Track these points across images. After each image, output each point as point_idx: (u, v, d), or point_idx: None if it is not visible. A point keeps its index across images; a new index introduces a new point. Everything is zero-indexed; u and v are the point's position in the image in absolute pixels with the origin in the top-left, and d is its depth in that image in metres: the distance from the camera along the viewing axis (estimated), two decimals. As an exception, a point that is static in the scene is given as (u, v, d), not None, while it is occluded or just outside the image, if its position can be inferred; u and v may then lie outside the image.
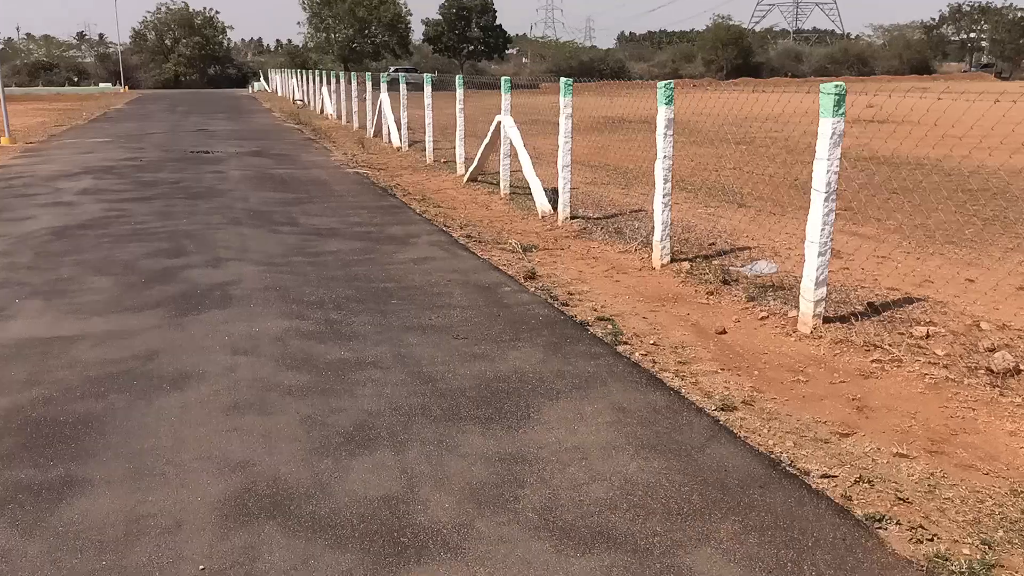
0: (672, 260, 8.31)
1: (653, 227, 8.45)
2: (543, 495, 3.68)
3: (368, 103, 23.70)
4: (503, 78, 12.78)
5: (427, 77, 17.29)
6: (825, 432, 4.48)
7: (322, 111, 33.30)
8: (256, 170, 15.48)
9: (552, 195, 11.32)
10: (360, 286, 7.23)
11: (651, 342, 5.97)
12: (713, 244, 9.17)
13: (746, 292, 7.16)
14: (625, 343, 5.90)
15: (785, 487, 3.79)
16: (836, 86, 5.86)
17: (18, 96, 54.18)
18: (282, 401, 4.68)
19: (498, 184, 13.66)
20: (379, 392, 4.84)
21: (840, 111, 5.86)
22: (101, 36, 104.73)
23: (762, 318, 6.56)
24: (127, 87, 71.73)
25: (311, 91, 38.22)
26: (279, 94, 55.30)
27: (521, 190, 12.76)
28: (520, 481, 3.80)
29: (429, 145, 17.10)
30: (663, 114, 8.16)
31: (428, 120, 17.04)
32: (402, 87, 19.36)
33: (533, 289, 7.33)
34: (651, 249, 8.50)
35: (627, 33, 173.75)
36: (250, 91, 64.88)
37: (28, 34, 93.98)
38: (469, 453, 4.08)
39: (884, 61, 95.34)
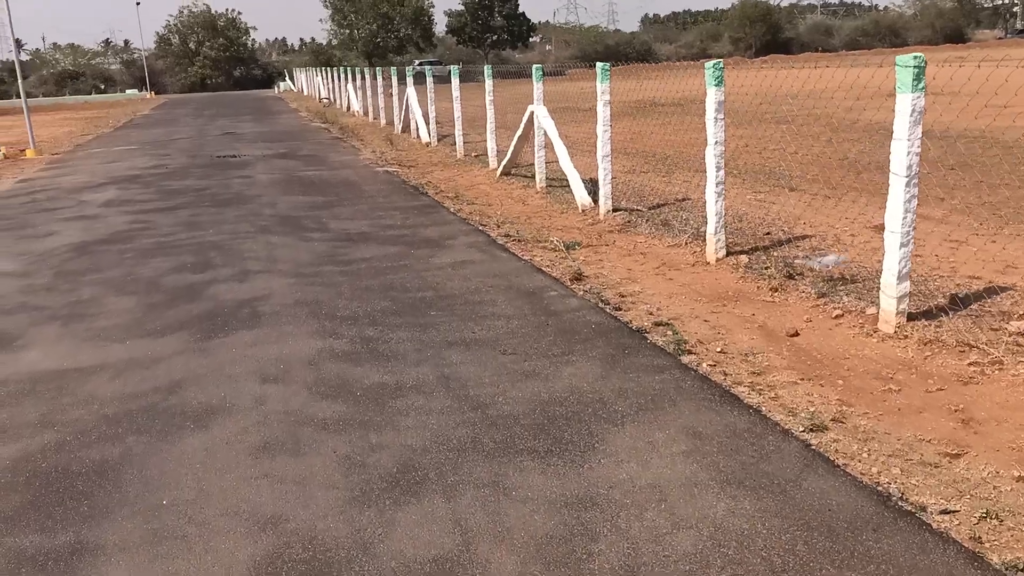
0: (728, 253, 7.75)
1: (705, 218, 7.91)
2: (621, 551, 3.17)
3: (395, 98, 23.24)
4: (534, 66, 12.25)
5: (454, 69, 16.79)
6: (932, 453, 3.93)
7: (349, 108, 32.92)
8: (284, 173, 15.06)
9: (591, 187, 10.79)
10: (396, 297, 6.75)
11: (718, 349, 5.43)
12: (768, 234, 8.59)
13: (814, 287, 6.59)
14: (689, 352, 5.36)
15: (902, 529, 3.25)
16: (915, 57, 5.28)
17: (46, 106, 54.44)
18: (317, 438, 4.20)
19: (533, 177, 13.13)
20: (424, 423, 4.35)
21: (920, 85, 5.28)
22: (126, 42, 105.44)
23: (836, 316, 5.99)
24: (153, 92, 71.91)
25: (337, 89, 37.86)
26: (305, 93, 55.10)
27: (557, 182, 12.24)
28: (592, 532, 3.29)
29: (459, 139, 16.60)
30: (713, 97, 7.60)
31: (457, 114, 16.53)
32: (429, 81, 18.86)
33: (581, 292, 6.81)
34: (704, 242, 7.95)
35: (651, 15, 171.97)
36: (276, 91, 64.75)
37: (55, 44, 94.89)
38: (530, 497, 3.57)
39: (916, 31, 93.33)
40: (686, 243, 8.39)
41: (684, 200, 10.53)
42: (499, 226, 9.72)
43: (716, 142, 7.66)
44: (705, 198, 7.84)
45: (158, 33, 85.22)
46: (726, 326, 5.94)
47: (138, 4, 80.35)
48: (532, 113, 12.29)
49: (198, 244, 9.00)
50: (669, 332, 5.78)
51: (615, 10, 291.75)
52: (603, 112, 9.84)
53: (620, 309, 6.36)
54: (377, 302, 6.60)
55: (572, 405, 4.51)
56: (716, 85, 7.57)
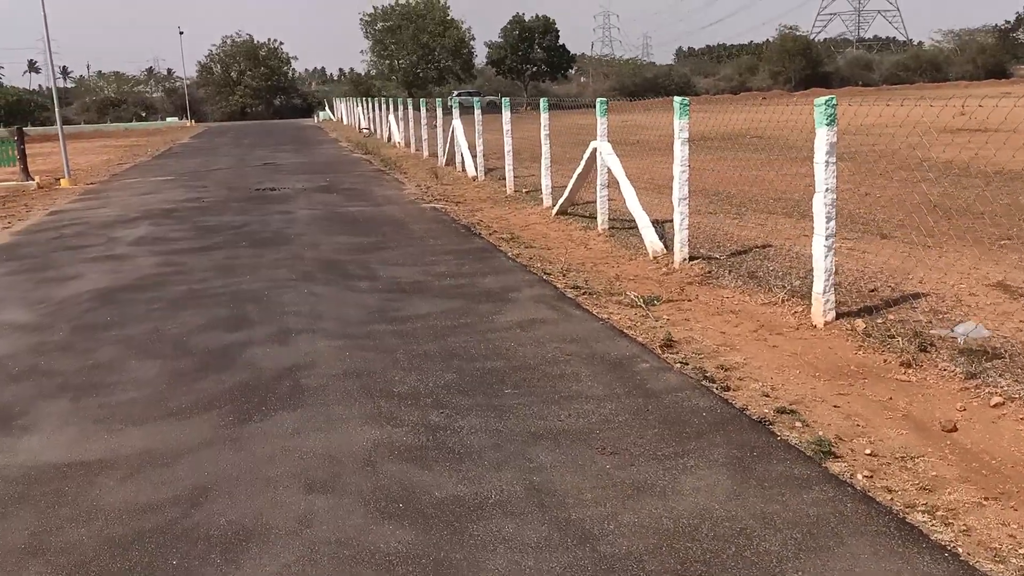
0: (837, 316, 6.71)
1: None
2: None
3: (439, 130, 22.42)
4: (598, 100, 11.31)
5: (505, 101, 15.92)
6: None
7: (389, 139, 32.22)
8: (326, 209, 14.20)
9: (659, 229, 9.82)
10: (461, 367, 5.77)
11: (866, 451, 4.38)
12: (874, 291, 7.54)
13: (956, 364, 5.53)
14: (834, 455, 4.32)
15: None
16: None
17: (87, 133, 54.49)
18: (380, 586, 3.21)
19: (591, 217, 12.20)
20: (518, 563, 3.34)
21: None
22: (170, 71, 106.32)
23: (996, 405, 4.93)
24: (193, 120, 71.98)
25: (377, 119, 37.23)
26: (344, 123, 54.71)
27: (620, 223, 11.27)
28: None
29: (509, 174, 15.69)
30: (824, 138, 6.59)
31: (508, 147, 15.63)
32: (477, 113, 18.00)
33: (677, 364, 5.80)
34: (805, 300, 6.94)
35: (685, 48, 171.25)
36: (315, 120, 64.48)
37: (99, 71, 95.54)
38: None
39: (957, 67, 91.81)
40: (782, 301, 7.35)
41: (766, 247, 9.50)
42: (564, 275, 8.75)
43: (827, 189, 6.64)
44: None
45: (199, 62, 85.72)
46: (863, 415, 4.89)
47: (181, 33, 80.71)
48: (595, 150, 11.34)
49: (233, 294, 8.09)
50: (798, 423, 4.75)
51: (649, 43, 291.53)
52: (681, 152, 8.86)
53: (728, 388, 5.34)
54: (439, 374, 5.62)
55: (707, 540, 3.48)
56: (828, 124, 6.56)
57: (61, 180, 20.01)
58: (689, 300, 7.70)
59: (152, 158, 29.55)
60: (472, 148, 18.74)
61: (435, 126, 23.08)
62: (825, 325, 6.63)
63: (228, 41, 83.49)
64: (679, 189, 8.88)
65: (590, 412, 4.91)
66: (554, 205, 13.03)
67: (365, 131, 39.92)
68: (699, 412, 4.90)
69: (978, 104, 10.87)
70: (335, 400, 5.18)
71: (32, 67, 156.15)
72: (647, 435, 4.57)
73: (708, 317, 7.13)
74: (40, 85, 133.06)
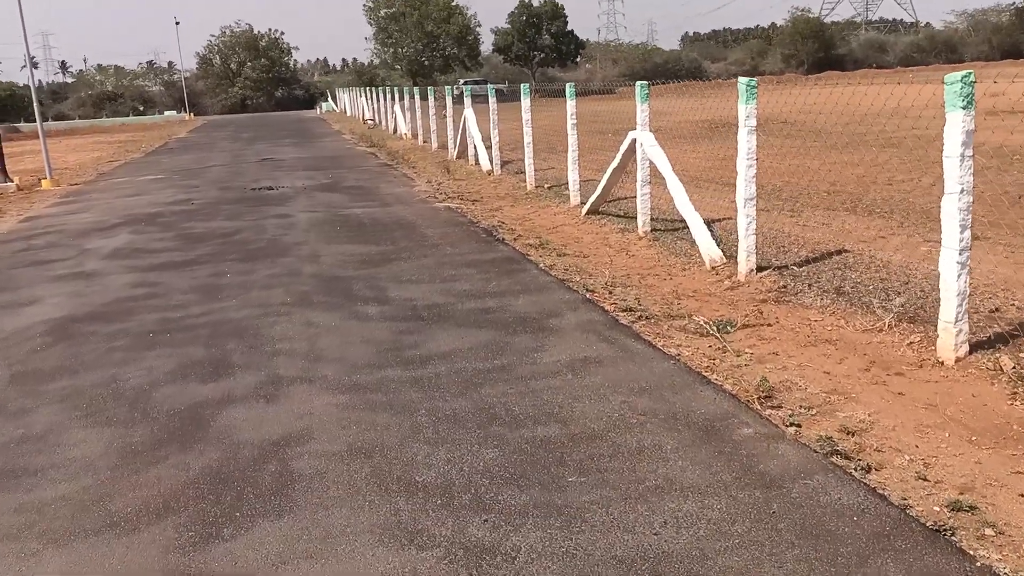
0: (970, 349, 5.29)
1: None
2: None
3: (448, 120, 20.96)
4: (638, 84, 9.84)
5: (525, 87, 14.46)
6: None
7: (395, 131, 30.75)
8: (328, 211, 12.76)
9: (713, 232, 8.45)
10: (504, 437, 4.35)
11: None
12: (997, 310, 6.14)
13: None
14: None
15: None
16: None
17: (82, 128, 53.08)
18: None
19: (627, 216, 10.81)
20: None
21: None
22: (170, 64, 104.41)
23: None
24: (192, 114, 70.42)
25: (382, 109, 35.73)
26: (348, 114, 53.22)
27: (663, 224, 9.87)
28: None
29: (530, 168, 14.25)
30: (959, 124, 5.14)
31: (528, 139, 14.18)
32: (492, 102, 16.54)
33: (788, 428, 4.39)
34: (922, 327, 5.60)
35: (691, 33, 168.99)
36: (318, 112, 62.90)
37: (99, 65, 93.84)
38: None
39: (973, 47, 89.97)
40: (890, 327, 5.93)
41: (842, 253, 8.07)
42: (610, 292, 7.34)
43: (962, 190, 5.20)
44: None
45: (198, 54, 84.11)
46: (1075, 516, 3.47)
47: (177, 24, 79.30)
48: (634, 141, 9.90)
49: (214, 325, 6.67)
50: (988, 531, 3.35)
51: (654, 29, 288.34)
52: (747, 142, 7.41)
53: (870, 469, 3.92)
54: (476, 451, 4.20)
55: None
56: (964, 107, 5.11)
57: (43, 181, 18.61)
58: (769, 325, 6.28)
59: (145, 155, 28.11)
60: (486, 140, 17.31)
61: (444, 116, 21.64)
62: (957, 362, 5.21)
63: (227, 32, 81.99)
64: (745, 187, 7.44)
65: (694, 519, 3.49)
66: (583, 203, 11.60)
67: (370, 122, 38.46)
68: (847, 515, 3.48)
69: (1010, 81, 9.43)
70: (336, 498, 3.76)
71: (31, 63, 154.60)
72: (787, 564, 3.15)
73: (800, 349, 5.71)
74: (40, 80, 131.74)
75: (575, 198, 12.08)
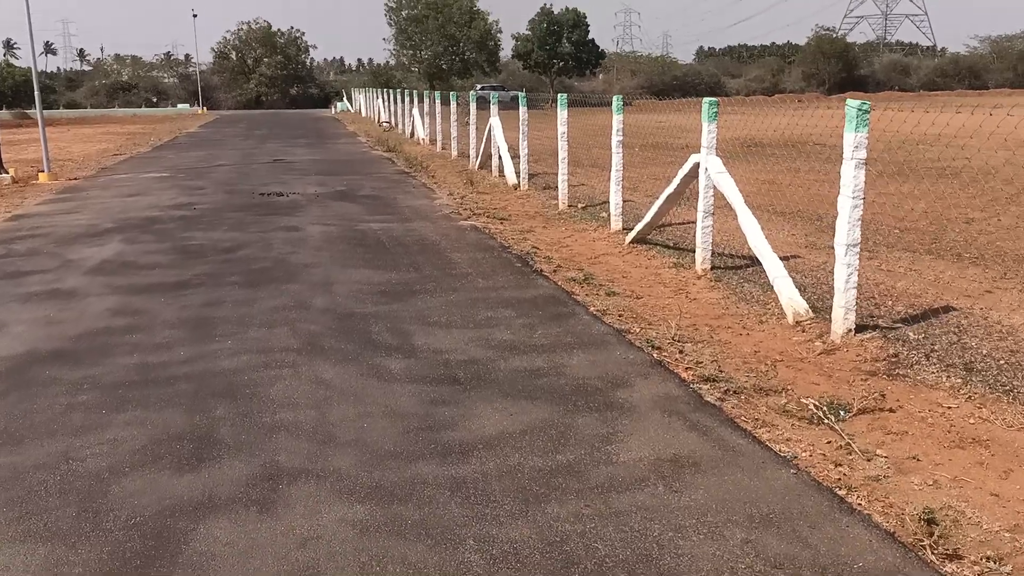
0: None
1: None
2: None
3: (472, 127, 19.73)
4: (705, 100, 8.60)
5: (561, 98, 13.22)
6: None
7: (412, 135, 29.55)
8: (343, 225, 11.52)
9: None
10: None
11: None
12: None
13: None
14: None
15: None
16: None
17: (92, 118, 51.96)
18: None
19: (676, 248, 9.64)
20: None
21: None
22: (187, 56, 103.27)
23: None
24: (205, 108, 69.27)
25: (399, 112, 34.53)
26: (363, 115, 52.04)
27: (721, 260, 8.67)
28: None
29: (563, 186, 13.03)
30: None
31: (562, 154, 12.94)
32: (522, 110, 15.30)
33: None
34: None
35: (706, 48, 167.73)
36: (332, 112, 61.68)
37: (117, 54, 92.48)
38: None
39: (997, 74, 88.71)
40: (1049, 424, 4.68)
41: (949, 311, 6.84)
42: (680, 349, 6.11)
43: None
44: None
45: (214, 48, 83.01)
46: None
47: (195, 16, 77.96)
48: (695, 165, 8.66)
49: (202, 378, 5.43)
50: None
51: (669, 42, 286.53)
52: (855, 178, 6.15)
53: None
54: (551, 619, 2.95)
55: None
56: None
57: (40, 174, 17.43)
58: (892, 411, 5.04)
59: (152, 149, 26.92)
60: (513, 150, 16.09)
61: (467, 123, 20.42)
62: None
63: (244, 27, 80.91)
64: (848, 231, 6.18)
65: None
66: (626, 229, 10.37)
67: (385, 124, 37.27)
68: None
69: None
70: None
71: (48, 49, 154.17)
72: None
73: (945, 452, 4.48)
74: (58, 67, 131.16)
75: (616, 223, 10.84)
